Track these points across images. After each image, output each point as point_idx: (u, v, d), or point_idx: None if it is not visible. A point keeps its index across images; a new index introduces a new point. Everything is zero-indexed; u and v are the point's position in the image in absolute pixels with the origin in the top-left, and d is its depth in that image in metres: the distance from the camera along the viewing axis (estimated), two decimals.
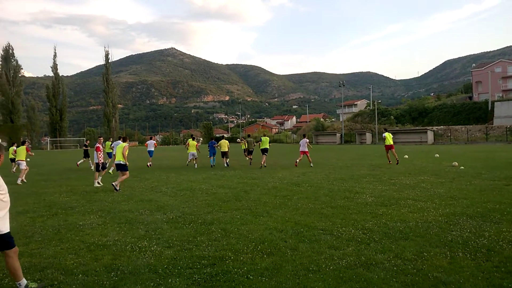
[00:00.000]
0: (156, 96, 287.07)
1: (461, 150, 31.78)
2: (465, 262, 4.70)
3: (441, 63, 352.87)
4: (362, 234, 6.09)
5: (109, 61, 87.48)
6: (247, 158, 22.27)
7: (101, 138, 15.76)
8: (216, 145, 22.14)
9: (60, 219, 7.83)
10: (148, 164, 22.03)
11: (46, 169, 22.47)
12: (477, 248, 5.20)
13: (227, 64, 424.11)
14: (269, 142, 21.04)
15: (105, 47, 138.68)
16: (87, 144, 24.01)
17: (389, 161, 19.74)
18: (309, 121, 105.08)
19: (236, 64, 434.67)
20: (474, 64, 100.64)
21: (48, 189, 12.82)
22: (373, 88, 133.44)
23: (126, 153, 12.25)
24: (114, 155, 17.76)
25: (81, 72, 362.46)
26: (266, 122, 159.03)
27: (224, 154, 21.07)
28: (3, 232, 3.95)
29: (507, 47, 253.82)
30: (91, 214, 8.32)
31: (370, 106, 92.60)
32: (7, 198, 4.05)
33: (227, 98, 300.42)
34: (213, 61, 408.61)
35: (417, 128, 62.12)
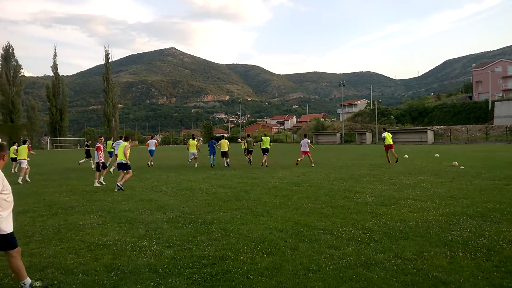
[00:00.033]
0: (156, 95, 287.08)
1: (461, 150, 31.77)
2: (465, 262, 4.70)
3: (441, 62, 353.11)
4: (362, 234, 6.09)
5: (109, 60, 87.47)
6: (247, 158, 22.29)
7: (102, 138, 15.78)
8: (216, 144, 22.16)
9: (60, 219, 7.83)
10: (149, 163, 22.13)
11: (46, 168, 22.48)
12: (477, 248, 5.20)
13: (227, 64, 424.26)
14: (270, 142, 21.06)
15: (105, 47, 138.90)
16: (88, 144, 24.02)
17: (389, 161, 19.75)
18: (309, 121, 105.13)
19: (236, 64, 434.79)
20: (474, 64, 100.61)
21: (48, 188, 12.82)
22: (373, 88, 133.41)
23: (128, 152, 12.32)
24: (115, 154, 17.92)
25: (81, 71, 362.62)
26: (266, 121, 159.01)
27: (224, 154, 21.08)
28: (7, 232, 3.96)
29: (507, 46, 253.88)
30: (91, 213, 8.32)
31: (370, 106, 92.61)
32: (10, 198, 4.07)
33: (227, 97, 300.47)
34: (213, 61, 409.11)
35: (417, 128, 62.12)
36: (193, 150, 21.19)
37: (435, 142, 53.97)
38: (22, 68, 76.73)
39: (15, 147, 18.97)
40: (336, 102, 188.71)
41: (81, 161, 23.63)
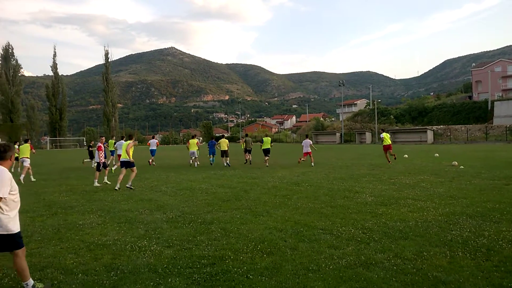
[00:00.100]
0: (155, 95, 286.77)
1: (460, 150, 31.79)
2: (465, 262, 4.70)
3: (441, 62, 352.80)
4: (362, 234, 6.09)
5: (109, 60, 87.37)
6: (245, 157, 22.32)
7: (103, 138, 15.87)
8: (216, 144, 22.22)
9: (59, 219, 7.83)
10: (150, 161, 22.34)
11: (46, 168, 22.47)
12: (477, 248, 5.20)
13: (227, 64, 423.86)
14: (271, 142, 21.05)
15: (105, 47, 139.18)
16: (91, 144, 24.05)
17: (389, 161, 19.75)
18: (309, 121, 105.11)
19: (236, 64, 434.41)
20: (474, 64, 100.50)
21: (48, 188, 12.82)
22: (373, 87, 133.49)
23: (131, 150, 12.42)
24: (118, 155, 18.21)
25: (81, 71, 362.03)
26: (266, 121, 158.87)
27: (224, 153, 21.09)
28: (14, 232, 4.01)
29: (507, 46, 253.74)
30: (91, 213, 8.32)
31: (370, 106, 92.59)
32: (18, 198, 4.12)
33: (227, 97, 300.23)
34: (213, 61, 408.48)
35: (417, 127, 62.12)
36: (193, 149, 21.27)
37: (434, 142, 53.99)
38: (21, 68, 76.81)
39: (16, 146, 19.01)
40: (335, 102, 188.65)
41: (85, 160, 23.71)
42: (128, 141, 12.63)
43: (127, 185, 12.21)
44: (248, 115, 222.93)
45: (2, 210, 3.92)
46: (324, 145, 58.07)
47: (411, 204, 8.46)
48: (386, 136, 20.20)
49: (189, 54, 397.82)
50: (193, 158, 21.41)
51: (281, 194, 10.30)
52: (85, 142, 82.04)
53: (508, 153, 25.17)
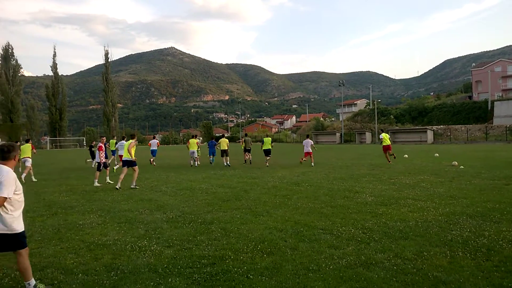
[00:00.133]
0: (155, 95, 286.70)
1: (460, 150, 31.79)
2: (465, 262, 4.70)
3: (441, 62, 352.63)
4: (362, 234, 6.09)
5: (109, 60, 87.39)
6: (245, 157, 22.34)
7: (104, 138, 15.90)
8: (216, 144, 22.24)
9: (60, 219, 7.83)
10: (151, 160, 22.50)
11: (46, 168, 22.46)
12: (477, 248, 5.20)
13: (227, 64, 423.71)
14: (271, 142, 21.00)
15: (104, 47, 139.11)
16: (93, 144, 24.07)
17: (389, 161, 19.76)
18: (309, 121, 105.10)
19: (236, 64, 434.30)
20: (474, 64, 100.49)
21: (48, 188, 12.82)
22: (373, 87, 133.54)
23: (133, 149, 12.50)
24: (120, 155, 18.38)
25: (81, 71, 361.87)
26: (266, 121, 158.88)
27: (224, 152, 21.10)
28: (18, 231, 4.04)
29: (507, 46, 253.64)
30: (91, 213, 8.32)
31: (370, 106, 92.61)
32: (22, 198, 4.14)
33: (226, 97, 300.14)
34: (213, 61, 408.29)
35: (417, 127, 62.12)
36: (193, 148, 21.35)
37: (434, 142, 53.99)
38: (21, 68, 76.89)
39: None
40: (335, 102, 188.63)
41: (88, 160, 23.77)
42: (130, 141, 12.72)
43: (132, 186, 12.32)
44: (248, 115, 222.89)
45: (7, 209, 3.95)
46: (324, 145, 58.06)
47: (411, 204, 8.46)
48: (385, 136, 20.22)
49: (189, 54, 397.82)
50: (193, 157, 21.47)
51: (281, 194, 10.30)
52: (85, 142, 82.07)
53: (508, 153, 25.17)
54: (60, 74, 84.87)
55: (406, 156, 24.31)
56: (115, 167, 19.03)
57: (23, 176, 14.96)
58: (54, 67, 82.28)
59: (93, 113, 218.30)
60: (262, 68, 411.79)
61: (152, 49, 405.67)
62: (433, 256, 4.92)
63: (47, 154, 46.62)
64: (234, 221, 7.21)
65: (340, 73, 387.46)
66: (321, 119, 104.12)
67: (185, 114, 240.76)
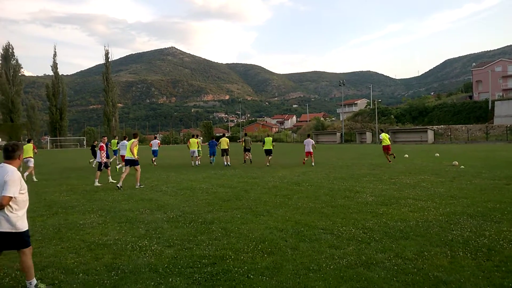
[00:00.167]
0: (156, 95, 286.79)
1: (461, 150, 31.78)
2: (466, 262, 4.70)
3: (441, 62, 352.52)
4: (362, 234, 6.09)
5: (109, 60, 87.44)
6: (245, 157, 22.35)
7: (105, 137, 15.94)
8: (217, 144, 22.28)
9: (60, 218, 7.83)
10: (153, 159, 22.65)
11: (46, 168, 22.47)
12: (478, 248, 5.20)
13: (227, 63, 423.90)
14: (272, 142, 20.95)
15: (105, 46, 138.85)
16: (95, 144, 24.12)
17: (389, 161, 19.76)
18: (309, 120, 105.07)
19: (236, 63, 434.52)
20: (474, 63, 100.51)
21: (49, 188, 12.82)
22: (373, 87, 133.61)
23: (135, 149, 12.60)
24: (121, 156, 18.47)
25: (81, 71, 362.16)
26: (266, 121, 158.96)
27: (225, 152, 21.11)
28: (23, 230, 4.07)
29: (507, 46, 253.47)
30: (92, 213, 8.32)
31: (370, 105, 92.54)
32: (26, 197, 4.18)
33: (227, 97, 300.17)
34: (213, 60, 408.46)
35: (417, 127, 62.11)
36: (193, 148, 21.41)
37: (435, 142, 53.97)
38: (22, 68, 76.99)
39: None
40: (336, 102, 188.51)
41: (91, 160, 23.82)
42: (132, 140, 12.76)
43: (137, 186, 12.39)
44: (249, 115, 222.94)
45: (12, 208, 3.98)
46: (324, 145, 58.07)
47: (411, 204, 8.45)
48: (385, 136, 20.23)
49: (189, 54, 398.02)
50: (193, 157, 21.53)
51: (281, 194, 10.30)
52: (85, 142, 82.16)
53: (508, 153, 25.16)
54: (60, 74, 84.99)
55: (407, 156, 24.30)
56: (117, 167, 19.07)
57: (25, 174, 14.99)
58: (55, 66, 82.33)
59: (94, 113, 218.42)
60: (263, 68, 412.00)
61: (153, 49, 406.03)
62: (433, 256, 4.92)
63: (48, 154, 46.63)
64: (235, 221, 7.21)
65: (340, 73, 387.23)
66: (322, 119, 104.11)
67: (186, 114, 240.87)
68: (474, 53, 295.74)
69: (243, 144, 22.59)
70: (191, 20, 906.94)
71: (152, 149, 23.54)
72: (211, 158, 22.19)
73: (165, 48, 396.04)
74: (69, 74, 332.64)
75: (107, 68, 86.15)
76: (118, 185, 12.19)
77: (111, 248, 5.64)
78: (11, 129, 67.33)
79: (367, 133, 65.03)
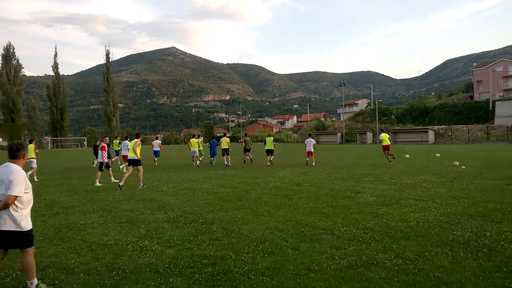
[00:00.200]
0: (156, 95, 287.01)
1: (462, 150, 31.75)
2: (467, 262, 4.69)
3: (442, 62, 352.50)
4: (363, 234, 6.08)
5: (110, 60, 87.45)
6: (247, 157, 22.37)
7: (107, 138, 15.98)
8: (218, 145, 22.31)
9: (61, 219, 7.84)
10: (155, 159, 22.77)
11: (47, 168, 22.49)
12: (479, 248, 5.19)
13: (227, 63, 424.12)
14: (273, 141, 20.91)
15: (105, 46, 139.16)
16: (97, 144, 24.15)
17: (390, 161, 19.76)
18: (310, 121, 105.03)
19: (237, 63, 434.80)
20: (475, 64, 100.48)
21: (49, 188, 12.83)
22: (374, 87, 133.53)
23: (138, 149, 12.65)
24: (123, 155, 18.62)
25: (82, 71, 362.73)
26: (266, 121, 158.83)
27: (225, 151, 21.12)
28: (27, 229, 4.10)
29: (508, 46, 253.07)
30: (92, 213, 8.33)
31: (371, 106, 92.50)
32: (31, 196, 4.22)
33: (227, 97, 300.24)
34: (213, 60, 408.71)
35: (418, 127, 62.09)
36: (194, 148, 21.45)
37: (436, 142, 53.94)
38: (22, 68, 77.08)
39: None
40: (336, 102, 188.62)
41: (94, 161, 23.88)
42: (135, 140, 12.79)
43: (140, 186, 12.38)
44: (249, 115, 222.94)
45: (17, 207, 4.01)
46: (325, 145, 58.04)
47: (412, 204, 8.45)
48: (384, 136, 20.22)
49: (190, 54, 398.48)
50: (194, 157, 21.57)
51: (282, 194, 10.29)
52: (85, 142, 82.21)
53: (509, 153, 25.13)
54: (61, 74, 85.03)
55: (408, 156, 24.28)
56: (120, 167, 19.08)
57: (28, 174, 15.03)
58: (55, 67, 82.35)
59: (94, 113, 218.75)
60: (263, 68, 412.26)
61: (153, 49, 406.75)
62: (434, 257, 4.91)
63: (48, 154, 46.66)
64: (235, 221, 7.21)
65: (341, 73, 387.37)
66: (322, 119, 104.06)
67: (186, 114, 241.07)
68: (475, 53, 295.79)
69: (243, 145, 22.61)
70: (192, 20, 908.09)
71: (154, 149, 23.61)
72: (212, 158, 22.21)
73: (165, 48, 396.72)
74: (70, 74, 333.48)
75: (108, 68, 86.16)
76: (120, 183, 12.23)
77: (112, 248, 5.64)
78: (12, 129, 67.38)
79: (367, 133, 65.01)
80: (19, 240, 4.05)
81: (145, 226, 6.96)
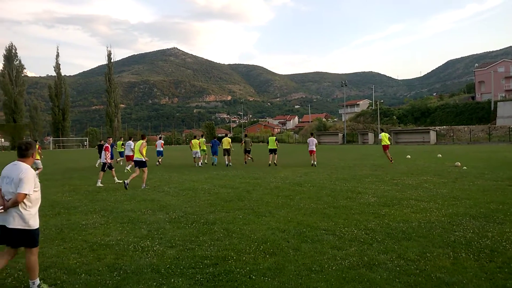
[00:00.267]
0: (158, 96, 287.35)
1: (463, 150, 31.69)
2: (468, 263, 4.68)
3: (443, 63, 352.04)
4: (364, 235, 6.07)
5: (112, 61, 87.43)
6: (248, 158, 22.38)
7: (110, 138, 16.01)
8: (219, 144, 22.35)
9: (62, 219, 7.85)
10: (159, 160, 22.87)
11: (49, 168, 22.51)
12: (480, 249, 5.18)
13: (229, 64, 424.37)
14: (276, 140, 20.85)
15: (107, 47, 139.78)
16: (101, 143, 24.16)
17: (391, 161, 19.71)
18: (311, 121, 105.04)
19: (238, 64, 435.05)
20: (476, 64, 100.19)
21: (51, 188, 12.85)
22: (375, 88, 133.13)
23: (144, 150, 12.71)
24: (126, 156, 18.63)
25: (84, 72, 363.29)
26: (268, 122, 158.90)
27: (226, 152, 21.13)
28: (34, 228, 4.19)
29: (510, 47, 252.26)
30: (94, 213, 8.34)
31: (372, 106, 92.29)
32: (39, 195, 4.32)
33: (229, 98, 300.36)
34: (215, 61, 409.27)
35: (420, 128, 62.00)
36: (195, 149, 21.48)
37: (437, 143, 53.85)
38: (24, 68, 76.86)
39: None
40: (338, 102, 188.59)
41: (98, 160, 23.95)
42: (141, 141, 12.81)
43: (143, 187, 12.42)
44: (251, 116, 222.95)
45: (25, 206, 4.08)
46: (326, 145, 58.00)
47: (414, 205, 8.44)
48: (384, 136, 20.17)
49: (191, 54, 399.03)
50: (196, 158, 21.61)
51: (283, 195, 10.29)
52: (87, 143, 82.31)
53: (511, 153, 25.07)
54: (63, 74, 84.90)
55: (409, 156, 24.25)
56: (128, 167, 19.05)
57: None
58: (57, 67, 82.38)
59: (96, 113, 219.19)
60: (265, 68, 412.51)
61: (155, 50, 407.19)
62: (436, 257, 4.90)
63: (50, 154, 46.74)
64: (237, 221, 7.21)
65: (342, 74, 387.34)
66: (324, 119, 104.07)
67: (188, 114, 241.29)
68: (476, 54, 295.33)
69: (243, 146, 22.62)
70: (193, 20, 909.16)
71: (157, 149, 23.73)
72: (213, 158, 22.25)
73: (167, 48, 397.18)
74: (71, 74, 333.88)
75: (110, 69, 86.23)
76: (126, 181, 12.35)
77: (113, 248, 5.64)
78: (14, 129, 67.45)
79: (369, 134, 64.94)
80: (26, 238, 4.10)
81: (146, 227, 6.96)
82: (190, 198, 10.11)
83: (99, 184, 13.33)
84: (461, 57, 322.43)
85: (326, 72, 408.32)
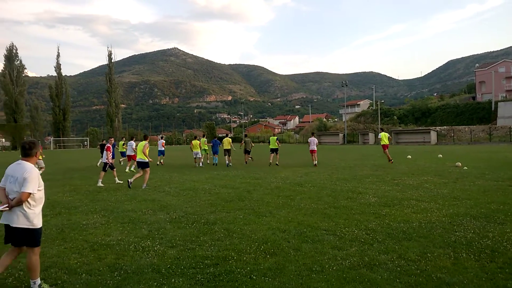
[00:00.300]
0: (159, 96, 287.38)
1: (464, 151, 31.67)
2: (469, 263, 4.68)
3: (444, 63, 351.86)
4: (365, 235, 6.07)
5: (112, 61, 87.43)
6: (249, 158, 22.39)
7: (112, 139, 16.03)
8: (220, 144, 22.37)
9: (63, 219, 7.85)
10: (161, 161, 22.83)
11: (50, 168, 22.52)
12: (481, 249, 5.18)
13: (229, 64, 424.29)
14: (277, 140, 20.84)
15: (108, 47, 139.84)
16: (104, 142, 24.18)
17: (390, 160, 19.70)
18: (311, 121, 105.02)
19: (239, 64, 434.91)
20: (477, 64, 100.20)
21: (52, 188, 12.84)
22: (376, 88, 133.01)
23: (147, 151, 12.75)
24: (128, 156, 18.70)
25: (84, 72, 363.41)
26: (268, 122, 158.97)
27: (227, 152, 21.15)
28: (37, 227, 4.19)
29: (510, 47, 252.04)
30: (95, 213, 8.34)
31: (373, 106, 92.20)
32: (43, 194, 4.30)
33: (229, 98, 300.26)
34: (215, 61, 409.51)
35: (420, 128, 61.99)
36: (196, 150, 21.47)
37: (438, 143, 53.82)
38: (25, 68, 76.94)
39: None
40: (338, 103, 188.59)
41: (99, 160, 23.99)
42: (144, 142, 12.84)
43: (143, 187, 12.41)
44: (251, 116, 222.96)
45: (29, 205, 4.09)
46: (327, 145, 57.99)
47: (414, 205, 8.43)
48: (383, 135, 20.16)
49: (192, 54, 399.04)
50: (196, 158, 21.62)
51: (284, 195, 10.29)
52: (87, 143, 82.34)
53: None
54: (63, 74, 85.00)
55: (410, 157, 24.24)
56: (131, 168, 19.07)
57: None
58: (58, 67, 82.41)
59: (97, 113, 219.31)
60: (265, 68, 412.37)
61: (155, 50, 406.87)
62: (436, 258, 4.90)
63: (51, 154, 46.77)
64: (237, 221, 7.21)
65: (343, 74, 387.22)
66: (324, 119, 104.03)
67: (188, 114, 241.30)
68: (477, 54, 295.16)
69: (244, 146, 22.63)
70: (194, 20, 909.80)
71: (158, 149, 23.79)
72: (214, 158, 22.26)
73: (168, 49, 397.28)
74: (72, 74, 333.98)
75: (110, 69, 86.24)
76: (129, 180, 12.40)
77: (114, 248, 5.65)
78: (14, 129, 67.50)
79: (369, 134, 64.93)
80: (29, 237, 4.12)
81: (147, 227, 6.97)
82: (191, 198, 10.11)
83: (99, 184, 13.34)
84: (462, 57, 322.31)
85: (327, 72, 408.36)
